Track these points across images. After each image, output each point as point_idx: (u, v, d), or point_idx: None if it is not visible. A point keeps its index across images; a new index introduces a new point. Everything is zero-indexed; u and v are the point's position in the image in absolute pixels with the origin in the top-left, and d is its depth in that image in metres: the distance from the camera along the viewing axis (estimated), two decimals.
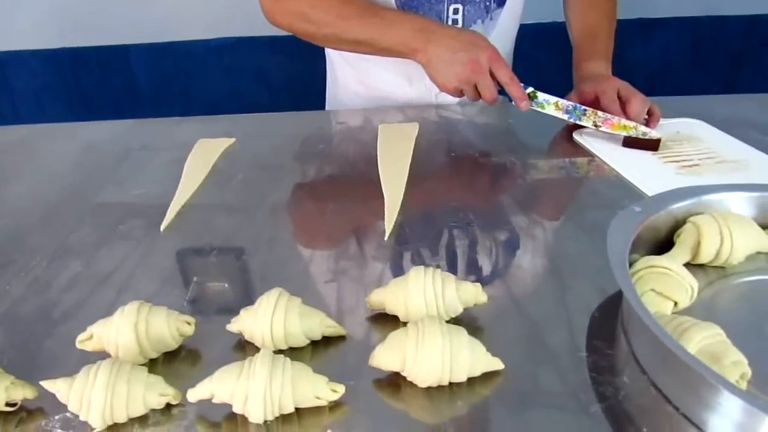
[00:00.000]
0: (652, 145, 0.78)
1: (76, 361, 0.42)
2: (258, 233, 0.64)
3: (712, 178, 0.70)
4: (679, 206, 0.54)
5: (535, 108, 0.83)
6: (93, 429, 0.39)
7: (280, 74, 1.91)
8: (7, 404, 0.40)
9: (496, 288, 0.53)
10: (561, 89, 0.95)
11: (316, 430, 0.39)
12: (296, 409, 0.39)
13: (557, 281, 0.54)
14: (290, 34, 0.93)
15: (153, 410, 0.40)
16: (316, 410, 0.40)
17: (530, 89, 0.82)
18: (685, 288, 0.45)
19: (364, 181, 0.74)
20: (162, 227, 0.65)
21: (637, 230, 0.50)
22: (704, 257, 0.51)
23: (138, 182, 0.77)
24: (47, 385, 0.39)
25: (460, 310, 0.46)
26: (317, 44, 0.92)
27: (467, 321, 0.48)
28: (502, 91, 0.82)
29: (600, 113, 0.82)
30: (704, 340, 0.39)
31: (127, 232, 0.65)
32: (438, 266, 0.54)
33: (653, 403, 0.40)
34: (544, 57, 1.47)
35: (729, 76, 1.85)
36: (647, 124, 0.84)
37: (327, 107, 1.13)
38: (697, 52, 1.84)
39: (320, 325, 0.45)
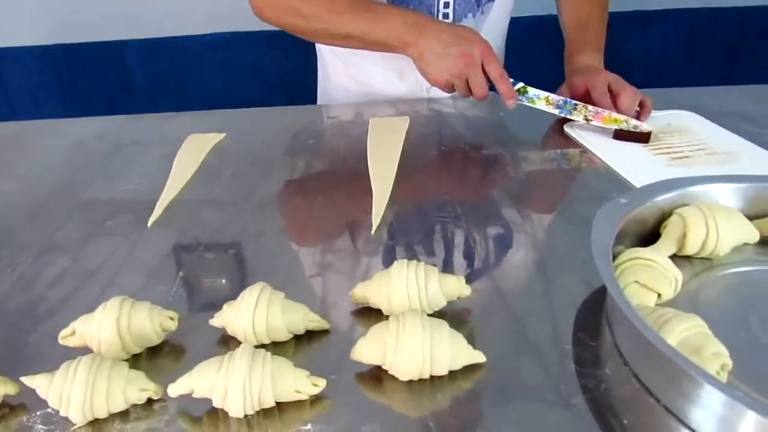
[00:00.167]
0: (643, 137, 0.78)
1: (59, 357, 0.42)
2: (245, 228, 0.64)
3: (702, 170, 0.70)
4: (665, 198, 0.53)
5: (526, 103, 0.82)
6: (74, 424, 0.39)
7: (275, 69, 1.91)
8: None
9: (482, 281, 0.53)
10: (555, 82, 0.95)
11: (297, 425, 0.39)
12: (277, 403, 0.39)
13: (544, 274, 0.54)
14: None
15: (134, 405, 0.40)
16: (298, 404, 0.40)
17: (520, 84, 0.82)
18: (669, 280, 0.45)
19: (354, 175, 0.74)
20: (149, 223, 0.65)
21: (621, 222, 0.50)
22: (690, 249, 0.51)
23: (127, 178, 0.77)
24: (27, 381, 0.39)
25: (443, 303, 0.46)
26: (306, 39, 0.91)
27: (452, 314, 0.48)
28: (491, 86, 0.81)
29: (590, 107, 0.82)
30: (685, 332, 0.38)
31: (115, 227, 0.65)
32: (420, 260, 0.55)
33: (635, 395, 0.39)
34: (538, 50, 1.47)
35: (726, 68, 1.84)
36: (638, 116, 0.83)
37: (318, 102, 1.12)
38: (694, 44, 1.83)
39: (303, 319, 0.45)
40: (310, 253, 0.59)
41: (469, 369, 0.42)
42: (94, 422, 0.39)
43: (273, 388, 0.38)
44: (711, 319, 0.42)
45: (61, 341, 0.44)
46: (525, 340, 0.45)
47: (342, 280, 0.54)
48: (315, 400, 0.40)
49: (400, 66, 0.94)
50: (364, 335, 0.42)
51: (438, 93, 0.90)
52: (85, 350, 0.44)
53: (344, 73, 1.03)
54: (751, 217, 0.54)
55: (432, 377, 0.41)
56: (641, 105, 0.84)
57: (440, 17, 0.92)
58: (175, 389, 0.39)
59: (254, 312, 0.43)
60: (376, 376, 0.42)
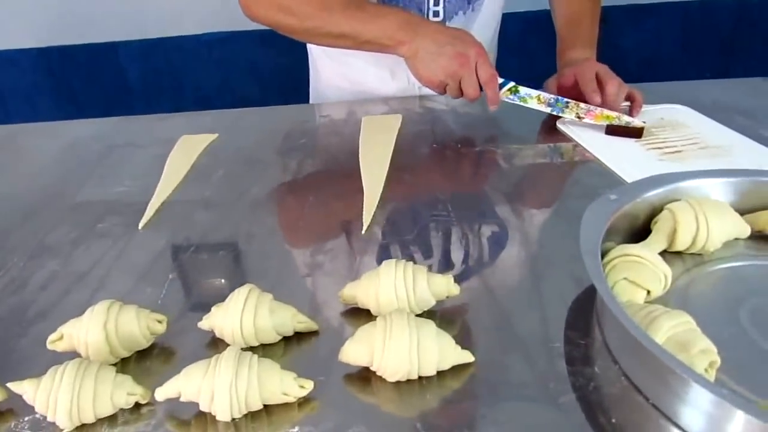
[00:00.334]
0: (635, 132, 0.78)
1: (48, 362, 0.41)
2: (237, 229, 0.64)
3: (695, 164, 0.69)
4: (655, 193, 0.53)
5: (518, 102, 0.82)
6: (62, 429, 0.39)
7: (271, 68, 1.90)
8: None
9: (473, 279, 0.53)
10: (549, 77, 0.94)
11: (285, 427, 0.39)
12: (265, 405, 0.39)
13: (534, 271, 0.54)
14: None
15: (122, 410, 0.40)
16: (285, 407, 0.40)
17: (511, 84, 0.82)
18: (659, 277, 0.45)
19: (346, 174, 0.74)
20: (140, 225, 0.65)
21: (611, 218, 0.49)
22: (680, 245, 0.51)
23: (119, 179, 0.77)
24: (14, 387, 0.39)
25: (432, 302, 0.46)
26: (297, 39, 0.90)
27: (441, 313, 0.48)
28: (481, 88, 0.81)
29: (582, 105, 0.81)
30: (673, 329, 0.38)
31: (106, 230, 0.65)
32: (413, 261, 0.55)
33: (624, 394, 0.39)
34: (532, 45, 1.46)
35: (720, 60, 1.84)
36: (630, 111, 0.83)
37: (311, 101, 1.12)
38: (688, 37, 1.83)
39: (292, 320, 0.45)
40: (301, 253, 0.59)
41: (458, 369, 0.41)
42: (82, 427, 0.39)
43: (260, 391, 0.38)
44: (701, 314, 0.42)
45: (49, 346, 0.44)
46: (514, 338, 0.45)
47: (332, 281, 0.53)
48: (303, 402, 0.40)
49: (392, 64, 0.94)
50: (352, 336, 0.42)
51: (430, 90, 0.89)
52: (74, 354, 0.44)
53: (335, 71, 1.03)
54: (742, 212, 0.54)
55: (420, 378, 0.41)
56: (632, 99, 0.83)
57: (431, 15, 0.92)
58: (162, 393, 0.39)
59: (242, 314, 0.43)
60: (365, 377, 0.42)
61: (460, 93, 0.81)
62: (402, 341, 0.39)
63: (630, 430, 0.37)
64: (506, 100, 0.82)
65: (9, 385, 0.40)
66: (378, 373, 0.40)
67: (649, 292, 0.45)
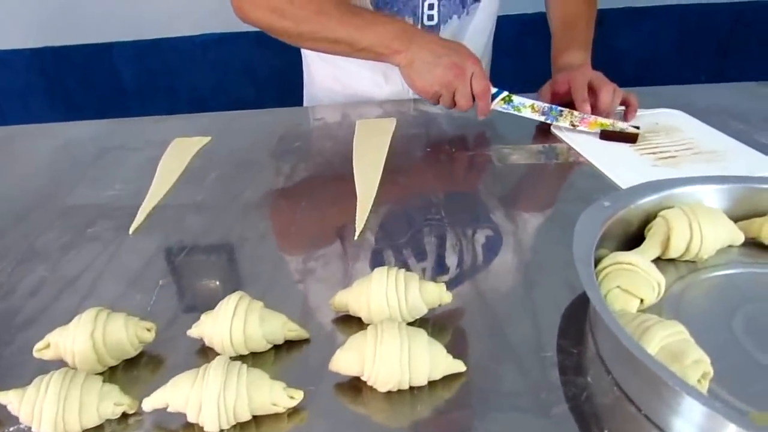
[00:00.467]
0: (630, 137, 0.77)
1: (35, 370, 0.41)
2: (228, 234, 0.63)
3: (689, 170, 0.69)
4: (649, 200, 0.53)
5: (512, 111, 0.82)
6: None
7: (266, 69, 1.90)
8: None
9: (465, 285, 0.52)
10: (545, 80, 0.94)
11: None
12: (254, 416, 0.38)
13: (528, 278, 0.53)
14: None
15: (108, 420, 0.39)
16: (275, 417, 0.39)
17: (505, 93, 0.82)
18: (652, 285, 0.45)
19: (339, 178, 0.73)
20: (131, 229, 0.64)
21: (605, 225, 0.49)
22: (674, 252, 0.50)
23: (111, 183, 0.76)
24: None
25: (424, 311, 0.45)
26: (290, 43, 0.88)
27: (433, 320, 0.47)
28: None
29: (576, 113, 0.81)
30: (666, 339, 0.38)
31: (96, 234, 0.64)
32: (406, 266, 0.54)
33: (617, 404, 0.39)
34: (528, 48, 1.46)
35: (716, 63, 1.84)
36: (625, 115, 0.83)
37: (305, 104, 1.11)
38: (685, 39, 1.83)
39: (282, 328, 0.44)
40: (294, 258, 0.58)
41: (450, 378, 0.41)
42: None
43: (249, 402, 0.37)
44: (694, 323, 0.42)
45: (35, 354, 0.44)
46: (507, 346, 0.45)
47: (324, 287, 0.53)
48: (292, 412, 0.39)
49: (386, 68, 0.93)
50: (343, 345, 0.41)
51: None
52: (61, 363, 0.43)
53: (329, 75, 1.02)
54: (736, 219, 0.54)
55: (411, 387, 0.40)
56: (627, 104, 0.83)
57: (425, 19, 0.92)
58: (149, 403, 0.38)
59: (232, 322, 0.43)
60: (356, 386, 0.41)
61: (453, 104, 0.81)
62: (393, 351, 0.38)
63: None
64: (500, 109, 0.82)
65: None
66: (369, 383, 0.40)
67: (642, 300, 0.44)
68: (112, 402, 0.38)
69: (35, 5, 1.77)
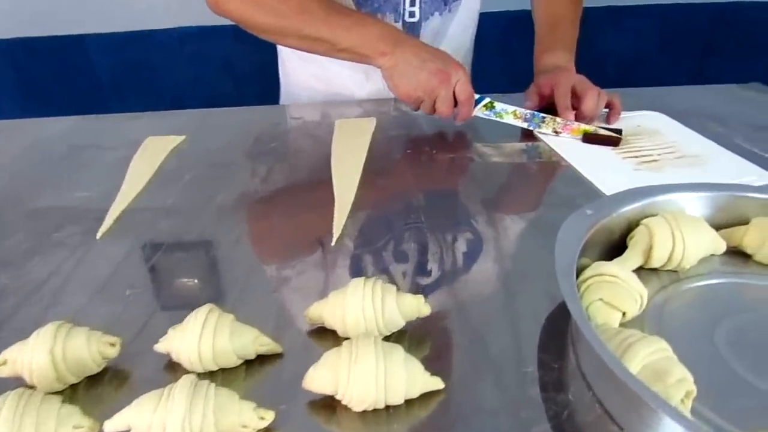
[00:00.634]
0: (613, 141, 0.77)
1: None
2: (200, 240, 0.61)
3: (671, 174, 0.69)
4: (631, 208, 0.52)
5: (494, 118, 0.81)
6: None
7: (245, 63, 1.87)
8: None
9: (444, 294, 0.51)
10: (530, 77, 0.93)
11: None
12: None
13: (508, 287, 0.52)
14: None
15: None
16: None
17: (487, 99, 0.81)
18: (634, 297, 0.44)
19: (317, 181, 0.72)
20: (99, 234, 0.62)
21: (587, 235, 0.48)
22: (656, 261, 0.50)
23: (80, 184, 0.74)
24: None
25: (401, 324, 0.44)
26: (267, 39, 0.86)
27: (411, 332, 0.46)
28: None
29: (559, 119, 0.80)
30: (649, 357, 0.37)
31: (63, 239, 0.62)
32: (386, 273, 0.53)
33: (599, 423, 0.38)
34: (513, 45, 1.45)
35: (698, 63, 1.85)
36: (608, 117, 0.82)
37: (281, 102, 1.09)
38: (666, 39, 1.83)
39: (254, 343, 0.43)
40: (268, 266, 0.57)
41: (427, 396, 0.40)
42: None
43: (216, 424, 0.35)
44: (676, 336, 0.42)
45: None
46: (486, 360, 0.43)
47: (300, 296, 0.51)
48: None
49: (366, 67, 0.91)
50: (316, 362, 0.40)
51: None
52: (19, 380, 0.41)
53: (307, 72, 1.00)
54: (718, 227, 0.53)
55: (388, 406, 0.39)
56: (610, 106, 0.83)
57: (407, 16, 0.90)
58: (111, 425, 0.36)
59: (200, 338, 0.41)
60: (330, 405, 0.39)
61: (433, 110, 0.80)
62: (368, 369, 0.37)
63: None
64: (482, 116, 0.81)
65: None
66: (343, 403, 0.38)
67: (624, 313, 0.43)
68: (71, 425, 0.36)
69: None
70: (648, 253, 0.50)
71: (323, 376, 0.39)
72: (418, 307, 0.44)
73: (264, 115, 0.96)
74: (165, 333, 0.44)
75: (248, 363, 0.43)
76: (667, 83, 1.01)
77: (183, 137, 0.84)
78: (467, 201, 0.68)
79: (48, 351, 0.40)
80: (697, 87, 0.99)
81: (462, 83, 0.78)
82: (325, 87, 0.99)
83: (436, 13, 0.91)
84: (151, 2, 1.77)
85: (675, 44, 1.83)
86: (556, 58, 0.90)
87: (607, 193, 0.65)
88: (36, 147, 0.87)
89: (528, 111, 0.81)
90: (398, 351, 0.39)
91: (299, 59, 0.99)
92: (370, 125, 0.85)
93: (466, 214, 0.65)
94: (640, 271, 0.51)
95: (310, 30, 0.80)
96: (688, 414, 0.36)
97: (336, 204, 0.64)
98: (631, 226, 0.53)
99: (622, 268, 0.46)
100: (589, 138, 0.78)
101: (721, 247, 0.52)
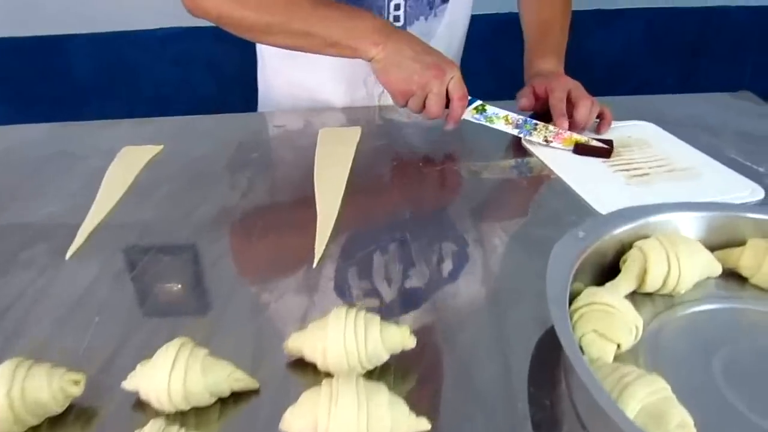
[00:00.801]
0: (604, 152, 0.75)
1: None
2: (176, 261, 0.58)
3: (663, 188, 0.67)
4: (624, 230, 0.50)
5: (484, 122, 0.78)
6: None
7: (228, 64, 1.83)
8: None
9: (430, 319, 0.49)
10: (518, 79, 0.91)
11: None
12: None
13: (497, 311, 0.50)
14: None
15: None
16: None
17: (478, 102, 0.78)
18: (629, 328, 0.42)
19: (299, 195, 0.69)
20: (68, 254, 0.59)
21: (579, 259, 0.46)
22: (651, 287, 0.48)
23: (51, 197, 0.71)
24: None
25: (384, 358, 0.42)
26: (249, 38, 0.80)
27: (395, 365, 0.43)
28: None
29: (551, 127, 0.78)
30: (648, 397, 0.35)
31: (29, 259, 0.58)
32: (369, 295, 0.51)
33: None
34: (502, 48, 1.43)
35: (686, 66, 1.85)
36: (598, 127, 0.81)
37: (259, 110, 1.05)
38: (655, 43, 1.83)
39: (228, 379, 0.40)
40: (247, 290, 0.54)
41: None
42: None
43: None
44: (672, 368, 0.40)
45: None
46: (475, 395, 0.41)
47: (279, 324, 0.49)
48: None
49: (349, 74, 0.89)
50: (294, 403, 0.37)
51: (390, 101, 0.84)
52: None
53: (288, 78, 0.96)
54: (713, 248, 0.51)
55: None
56: (601, 116, 0.81)
57: (391, 19, 0.87)
58: None
59: (170, 375, 0.38)
60: None
61: (422, 108, 0.76)
62: (349, 413, 0.34)
63: None
64: (472, 120, 0.78)
65: None
66: None
67: (619, 345, 0.41)
68: None
69: None
70: (642, 278, 0.48)
71: (301, 418, 0.36)
72: (402, 339, 0.42)
73: (245, 122, 0.93)
74: (135, 365, 0.41)
75: (222, 401, 0.41)
76: (655, 86, 1.00)
77: (160, 147, 0.81)
78: (455, 218, 0.66)
79: (5, 393, 0.37)
80: (688, 95, 0.98)
81: (456, 80, 0.74)
82: (306, 93, 0.95)
83: (421, 18, 0.89)
84: (133, 2, 1.73)
85: (663, 48, 1.83)
86: (547, 64, 0.88)
87: (599, 209, 0.63)
88: (6, 156, 0.84)
89: (520, 117, 0.79)
90: (382, 392, 0.36)
91: (280, 62, 0.96)
92: (354, 134, 0.82)
93: (453, 232, 0.62)
94: (634, 295, 0.49)
95: (299, 24, 0.75)
96: None
97: (318, 223, 0.62)
98: (624, 248, 0.51)
99: (616, 294, 0.44)
100: (581, 149, 0.76)
101: (717, 269, 0.50)
